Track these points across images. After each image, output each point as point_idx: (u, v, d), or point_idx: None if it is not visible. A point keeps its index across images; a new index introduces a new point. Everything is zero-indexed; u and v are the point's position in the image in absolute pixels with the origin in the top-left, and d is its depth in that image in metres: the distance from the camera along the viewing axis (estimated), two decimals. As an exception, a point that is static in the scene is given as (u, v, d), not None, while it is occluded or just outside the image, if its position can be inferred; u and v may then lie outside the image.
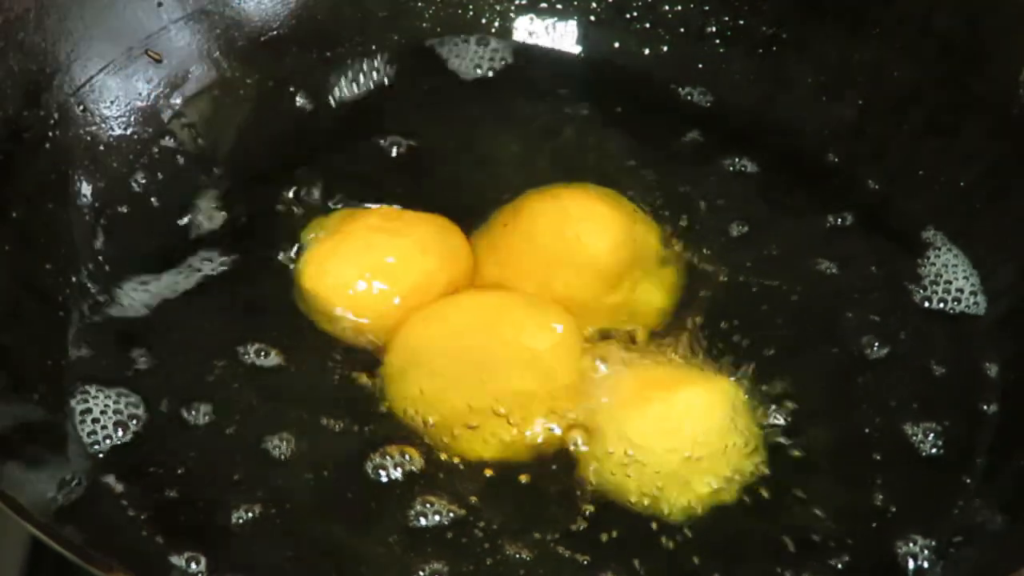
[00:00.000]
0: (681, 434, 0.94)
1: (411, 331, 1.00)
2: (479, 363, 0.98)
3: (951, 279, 1.06)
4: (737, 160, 1.14)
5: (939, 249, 1.08)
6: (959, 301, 1.05)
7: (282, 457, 0.96)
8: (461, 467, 0.95)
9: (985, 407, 1.00)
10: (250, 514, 0.93)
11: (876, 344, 1.02)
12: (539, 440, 0.96)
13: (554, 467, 0.95)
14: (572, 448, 0.96)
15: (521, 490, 0.95)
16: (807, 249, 1.08)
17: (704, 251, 1.07)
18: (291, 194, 1.10)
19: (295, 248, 1.06)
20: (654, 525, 0.93)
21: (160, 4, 1.13)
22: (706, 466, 0.94)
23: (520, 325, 1.00)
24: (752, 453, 0.95)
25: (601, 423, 0.95)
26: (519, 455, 0.96)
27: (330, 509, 0.94)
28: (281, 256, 1.06)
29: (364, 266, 1.02)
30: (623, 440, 0.94)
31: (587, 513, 0.93)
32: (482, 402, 0.96)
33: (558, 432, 0.96)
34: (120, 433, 0.96)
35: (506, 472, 0.95)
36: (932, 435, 0.98)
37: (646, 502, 0.93)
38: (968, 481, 0.97)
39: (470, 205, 1.09)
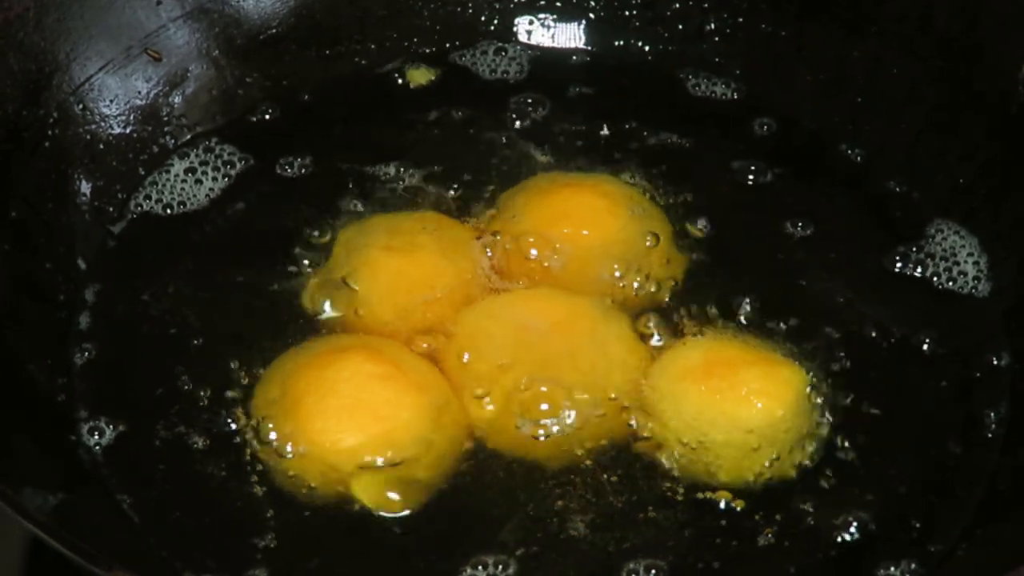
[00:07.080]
0: (744, 413, 0.94)
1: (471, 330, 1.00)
2: (542, 357, 0.97)
3: (959, 262, 1.07)
4: (740, 156, 1.14)
5: (944, 237, 1.08)
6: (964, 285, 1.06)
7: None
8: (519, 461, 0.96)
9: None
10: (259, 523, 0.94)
11: (925, 338, 1.03)
12: (599, 425, 0.96)
13: (613, 448, 0.96)
14: (630, 428, 0.96)
15: (582, 473, 0.95)
16: (806, 245, 1.09)
17: (709, 241, 1.08)
18: (292, 194, 1.10)
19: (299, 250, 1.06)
20: (707, 498, 0.94)
21: (159, 3, 1.13)
22: (766, 447, 0.94)
23: (582, 320, 1.00)
24: (810, 436, 0.96)
25: (660, 402, 0.96)
26: (579, 445, 0.96)
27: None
28: (283, 251, 1.06)
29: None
30: (683, 419, 0.95)
31: (645, 490, 0.94)
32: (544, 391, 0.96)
33: (617, 415, 0.96)
34: (122, 433, 0.97)
35: (568, 456, 0.96)
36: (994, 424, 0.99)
37: (705, 480, 0.94)
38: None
39: (473, 201, 1.09)
